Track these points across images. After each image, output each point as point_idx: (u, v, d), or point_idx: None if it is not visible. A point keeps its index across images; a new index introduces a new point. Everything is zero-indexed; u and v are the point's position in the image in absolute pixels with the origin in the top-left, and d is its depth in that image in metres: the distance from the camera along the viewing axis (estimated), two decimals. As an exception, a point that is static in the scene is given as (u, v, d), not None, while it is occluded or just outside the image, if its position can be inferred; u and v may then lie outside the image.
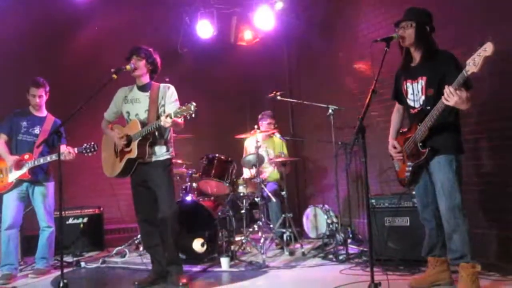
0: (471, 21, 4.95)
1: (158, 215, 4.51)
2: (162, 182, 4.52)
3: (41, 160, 5.14)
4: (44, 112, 5.46)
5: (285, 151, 6.85)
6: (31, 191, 5.28)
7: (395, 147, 4.11)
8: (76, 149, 5.08)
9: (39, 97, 5.35)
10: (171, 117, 4.20)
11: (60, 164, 4.18)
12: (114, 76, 4.37)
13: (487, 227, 4.73)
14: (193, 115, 4.14)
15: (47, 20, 6.92)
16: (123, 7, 7.43)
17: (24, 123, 5.31)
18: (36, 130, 5.32)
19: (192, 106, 4.11)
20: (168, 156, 4.64)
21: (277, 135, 6.86)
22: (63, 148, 5.03)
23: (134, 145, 4.43)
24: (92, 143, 4.98)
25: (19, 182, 5.19)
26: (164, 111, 4.53)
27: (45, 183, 5.33)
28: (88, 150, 4.99)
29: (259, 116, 6.90)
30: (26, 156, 5.18)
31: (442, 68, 3.78)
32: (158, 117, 4.47)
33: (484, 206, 4.82)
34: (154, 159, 4.56)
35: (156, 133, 4.54)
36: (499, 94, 4.72)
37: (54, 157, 5.08)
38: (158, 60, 4.72)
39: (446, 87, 3.51)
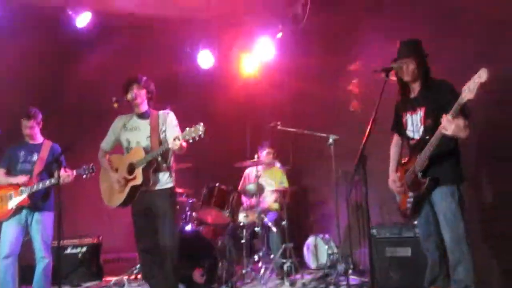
0: (466, 49, 5.00)
1: (158, 245, 4.47)
2: (165, 212, 4.49)
3: (40, 185, 5.12)
4: (39, 139, 5.46)
5: (285, 181, 6.83)
6: (30, 220, 5.23)
7: (395, 182, 4.11)
8: (74, 171, 5.08)
9: (30, 128, 5.34)
10: (179, 140, 4.19)
11: (60, 193, 4.18)
12: (115, 105, 4.42)
13: (489, 257, 4.69)
14: (202, 136, 4.12)
15: (51, 47, 7.01)
16: (125, 35, 7.52)
17: (22, 153, 5.32)
18: (34, 157, 5.31)
19: (200, 126, 4.10)
20: (171, 185, 4.63)
21: (277, 164, 6.86)
22: (61, 172, 5.03)
23: (139, 171, 4.41)
24: (91, 164, 4.97)
25: (19, 209, 5.15)
26: (165, 137, 4.53)
27: (45, 212, 5.29)
28: (86, 172, 4.98)
29: (258, 147, 6.90)
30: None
31: (440, 98, 3.80)
32: (161, 143, 4.48)
33: (485, 235, 4.78)
34: (158, 187, 4.54)
35: (160, 159, 4.53)
36: (498, 123, 4.73)
37: (53, 181, 5.05)
38: (154, 87, 4.77)
39: (443, 116, 3.52)
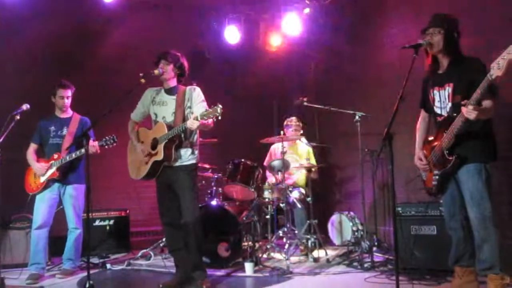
0: (502, 28, 4.87)
1: (181, 219, 4.55)
2: (186, 187, 4.55)
3: (67, 158, 5.24)
4: (69, 113, 5.59)
5: (311, 157, 6.83)
6: (62, 192, 5.39)
7: (421, 159, 4.07)
8: (97, 142, 5.18)
9: (67, 98, 5.50)
10: (197, 119, 4.24)
11: (89, 167, 4.26)
12: (142, 80, 4.45)
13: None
14: (219, 117, 4.17)
15: (76, 24, 7.05)
16: (151, 12, 7.53)
17: (52, 128, 5.46)
18: (64, 131, 5.44)
19: (218, 108, 4.14)
20: (194, 161, 4.66)
21: (304, 141, 6.84)
22: (91, 143, 5.18)
23: (161, 147, 4.47)
24: (113, 135, 5.10)
25: (50, 182, 5.31)
26: (191, 113, 4.55)
27: (76, 184, 5.43)
28: (108, 142, 5.10)
29: (285, 122, 6.89)
30: (55, 156, 5.31)
31: (469, 74, 3.72)
32: (185, 120, 4.51)
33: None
34: (179, 163, 4.59)
35: (183, 136, 4.57)
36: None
37: (78, 153, 5.22)
38: (186, 64, 4.77)
39: (462, 108, 3.48)
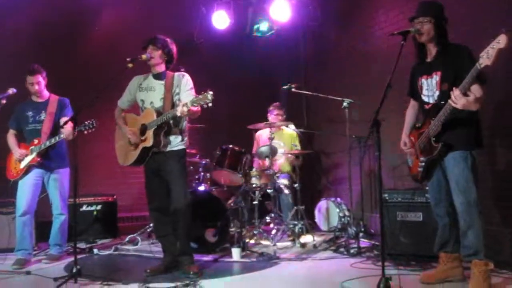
0: (486, 15, 4.88)
1: (170, 205, 4.53)
2: (175, 173, 4.54)
3: (47, 143, 5.17)
4: (45, 96, 5.47)
5: (297, 142, 6.82)
6: (47, 178, 5.33)
7: (406, 144, 4.10)
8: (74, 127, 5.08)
9: (37, 84, 5.35)
10: (187, 106, 4.20)
11: (75, 152, 4.23)
12: (130, 65, 4.41)
13: (500, 225, 4.69)
14: (210, 104, 4.13)
15: (64, 10, 6.96)
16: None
17: (30, 113, 5.36)
18: (42, 116, 5.35)
19: (209, 94, 4.10)
20: (183, 147, 4.65)
21: (291, 126, 6.83)
22: (68, 127, 5.02)
23: (150, 133, 4.45)
24: (92, 120, 4.89)
25: (30, 167, 5.24)
26: (179, 99, 4.53)
27: (60, 169, 5.37)
28: (86, 127, 4.90)
29: (268, 109, 6.85)
30: (35, 141, 5.24)
31: (457, 62, 3.73)
32: (173, 106, 4.49)
33: (497, 203, 4.77)
34: (168, 148, 4.57)
35: (171, 122, 4.54)
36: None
37: (58, 138, 5.14)
38: (175, 50, 4.73)
39: (453, 89, 3.49)
